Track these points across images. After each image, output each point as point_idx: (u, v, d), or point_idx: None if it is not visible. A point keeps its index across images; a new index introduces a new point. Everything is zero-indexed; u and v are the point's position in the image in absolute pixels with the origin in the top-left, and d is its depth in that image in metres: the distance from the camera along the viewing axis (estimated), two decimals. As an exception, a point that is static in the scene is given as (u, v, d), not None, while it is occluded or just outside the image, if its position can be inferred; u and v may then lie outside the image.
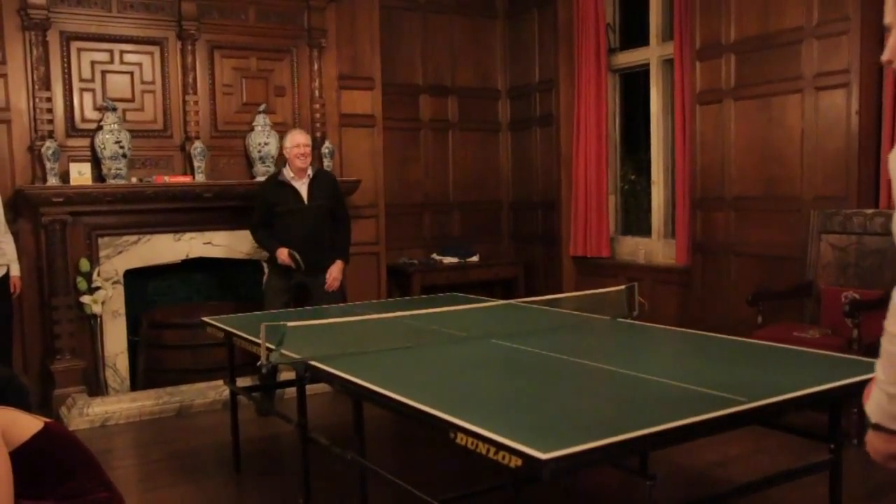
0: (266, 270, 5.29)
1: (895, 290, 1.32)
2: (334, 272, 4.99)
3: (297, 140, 4.94)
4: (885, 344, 1.37)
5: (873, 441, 1.41)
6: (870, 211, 4.50)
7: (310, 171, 4.99)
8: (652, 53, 6.17)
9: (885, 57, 1.40)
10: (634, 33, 6.41)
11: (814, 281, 4.69)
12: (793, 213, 4.91)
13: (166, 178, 5.31)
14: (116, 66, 5.33)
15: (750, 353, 2.99)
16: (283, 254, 4.89)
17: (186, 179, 5.40)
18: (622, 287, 3.69)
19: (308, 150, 4.95)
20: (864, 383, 2.42)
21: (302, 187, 4.95)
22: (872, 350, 3.62)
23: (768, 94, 5.03)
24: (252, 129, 5.66)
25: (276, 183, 4.97)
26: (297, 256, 4.87)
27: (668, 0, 5.98)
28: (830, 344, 4.04)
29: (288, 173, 4.96)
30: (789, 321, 4.71)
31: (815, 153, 4.80)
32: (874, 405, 1.40)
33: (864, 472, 3.77)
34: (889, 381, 1.36)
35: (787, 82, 4.92)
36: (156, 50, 5.43)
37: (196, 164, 5.43)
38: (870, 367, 2.56)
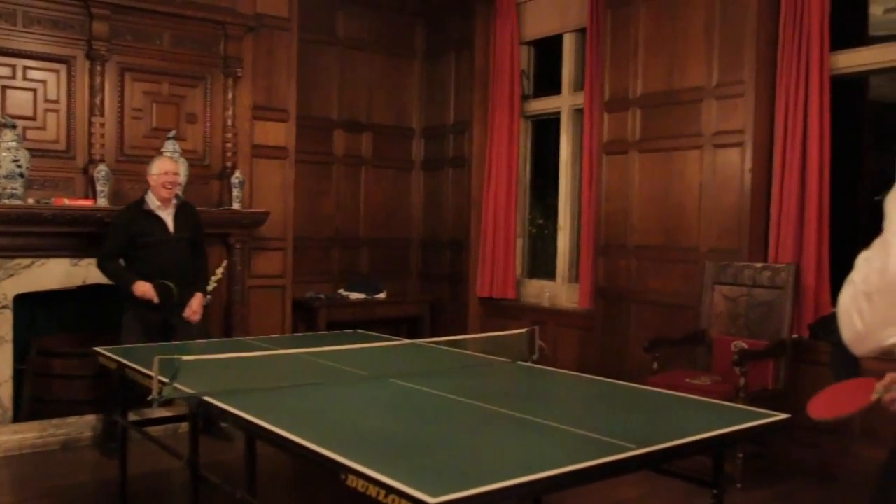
0: (124, 307, 4.76)
1: (861, 254, 1.46)
2: (195, 305, 4.74)
3: (166, 167, 4.66)
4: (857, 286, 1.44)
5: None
6: (759, 264, 4.72)
7: (174, 200, 4.76)
8: (563, 102, 6.36)
9: None
10: (547, 82, 6.60)
11: (707, 330, 4.87)
12: (690, 263, 5.10)
13: (66, 201, 5.12)
14: (19, 83, 5.15)
15: (643, 399, 3.07)
16: (142, 287, 4.51)
17: (88, 203, 5.23)
18: (523, 330, 3.74)
19: (176, 178, 4.74)
20: (748, 431, 2.51)
21: (168, 217, 4.70)
22: (757, 397, 3.74)
23: (670, 149, 5.25)
24: (160, 155, 5.53)
25: (141, 212, 4.65)
26: (171, 284, 4.56)
27: (581, 52, 6.19)
28: (720, 391, 4.20)
29: (153, 202, 4.65)
30: (683, 368, 4.87)
31: (712, 207, 5.02)
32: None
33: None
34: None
35: (687, 138, 5.15)
36: (62, 68, 5.27)
37: (99, 187, 5.26)
38: (754, 416, 2.68)
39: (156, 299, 4.54)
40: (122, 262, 4.68)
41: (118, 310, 5.06)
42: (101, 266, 4.70)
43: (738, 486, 4.23)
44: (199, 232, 4.92)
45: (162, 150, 5.51)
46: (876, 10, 4.95)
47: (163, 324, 4.67)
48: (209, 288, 5.28)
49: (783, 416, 2.66)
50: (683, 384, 4.31)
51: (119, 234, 4.65)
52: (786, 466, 4.54)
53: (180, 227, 4.74)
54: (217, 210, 5.73)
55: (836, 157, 4.59)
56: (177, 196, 4.81)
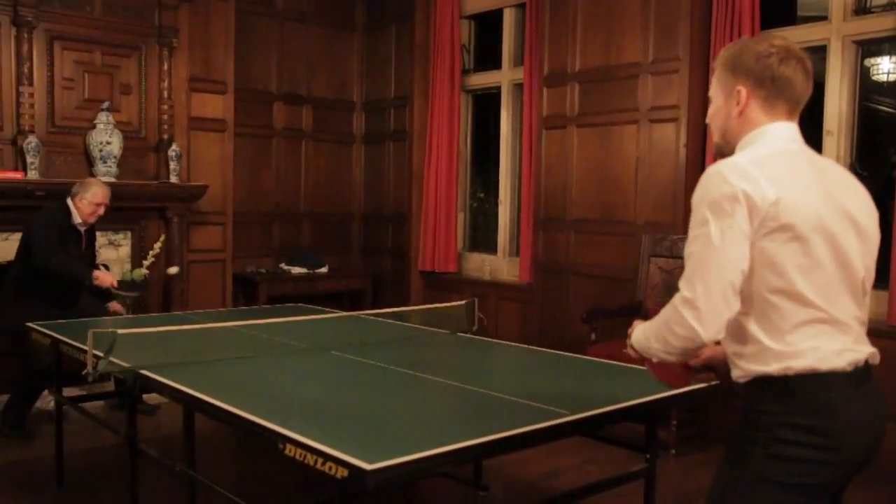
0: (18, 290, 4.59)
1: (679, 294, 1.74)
2: (116, 308, 4.79)
3: (100, 198, 4.59)
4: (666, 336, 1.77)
5: (630, 351, 1.95)
6: (693, 237, 4.84)
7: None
8: (504, 77, 6.39)
9: (707, 120, 1.92)
10: (488, 56, 6.62)
11: (643, 301, 4.99)
12: (627, 236, 5.21)
13: (-6, 173, 4.98)
14: (-59, 51, 4.97)
15: (579, 368, 3.15)
16: (106, 277, 4.56)
17: (17, 175, 5.08)
18: (462, 302, 3.79)
19: (103, 210, 4.66)
20: (679, 398, 2.61)
21: (83, 234, 4.70)
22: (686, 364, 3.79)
23: (608, 124, 5.33)
24: (94, 127, 5.40)
25: (68, 222, 4.59)
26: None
27: (521, 27, 6.21)
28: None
29: (76, 218, 4.59)
30: (621, 338, 4.96)
31: (648, 181, 5.12)
32: (640, 341, 1.87)
33: (679, 480, 4.05)
34: (662, 349, 1.80)
35: (624, 113, 5.23)
36: (-13, 36, 5.09)
37: (29, 159, 5.12)
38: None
39: (113, 287, 4.58)
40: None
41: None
42: (45, 260, 4.44)
43: (673, 451, 4.37)
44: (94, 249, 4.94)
45: (95, 121, 5.38)
46: (805, -10, 5.08)
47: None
48: (146, 264, 5.19)
49: (713, 381, 2.75)
50: (620, 354, 4.41)
51: (53, 234, 4.50)
52: (718, 432, 4.69)
53: (89, 244, 4.80)
54: (154, 183, 5.63)
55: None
56: None
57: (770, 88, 1.76)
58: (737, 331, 1.74)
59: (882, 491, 3.61)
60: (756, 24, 4.64)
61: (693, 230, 1.70)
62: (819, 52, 4.72)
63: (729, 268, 1.64)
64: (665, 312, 1.76)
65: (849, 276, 1.71)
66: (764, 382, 1.70)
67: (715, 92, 1.86)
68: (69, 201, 4.59)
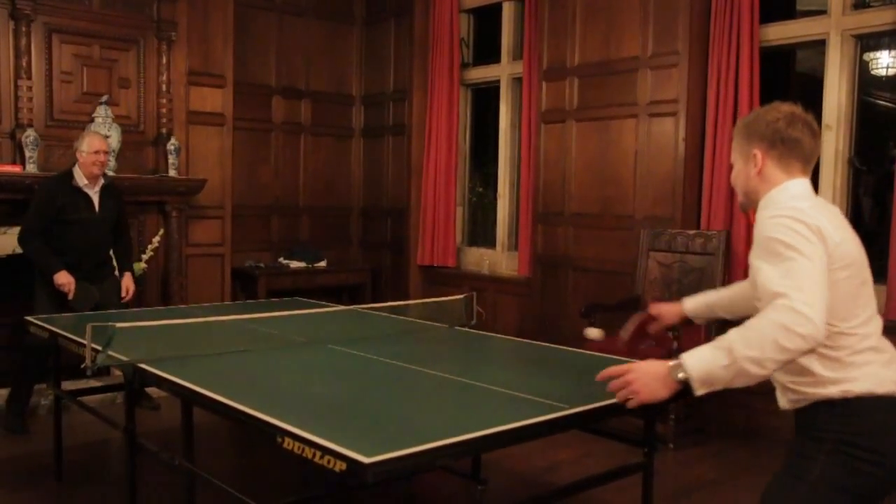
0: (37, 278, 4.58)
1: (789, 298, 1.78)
2: (130, 287, 4.76)
3: (96, 145, 4.49)
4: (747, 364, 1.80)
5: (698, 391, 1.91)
6: (692, 231, 4.84)
7: (101, 179, 4.63)
8: (503, 71, 6.38)
9: (731, 181, 2.17)
10: (487, 50, 6.61)
11: (642, 295, 4.99)
12: (625, 230, 5.20)
13: (-8, 167, 4.97)
14: (-61, 44, 4.96)
15: (577, 362, 3.15)
16: (63, 277, 4.39)
17: (15, 169, 5.08)
18: (461, 296, 3.79)
19: (106, 157, 4.60)
20: (679, 393, 2.62)
21: (94, 196, 4.57)
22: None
23: (607, 118, 5.32)
24: (92, 121, 5.39)
25: (68, 187, 4.48)
26: (94, 289, 4.53)
27: (520, 21, 6.20)
28: (654, 354, 4.29)
29: (80, 179, 4.51)
30: (619, 332, 4.98)
31: (647, 175, 5.12)
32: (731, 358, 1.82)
33: (677, 473, 4.06)
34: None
35: (623, 107, 5.22)
36: (-15, 29, 5.08)
37: (27, 153, 5.11)
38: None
39: (70, 295, 4.41)
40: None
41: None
42: (23, 241, 4.48)
43: (671, 446, 4.38)
44: (123, 212, 4.84)
45: (94, 115, 5.38)
46: (805, -16, 5.08)
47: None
48: (144, 258, 5.20)
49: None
50: (619, 348, 4.42)
51: (44, 209, 4.46)
52: (717, 427, 4.71)
53: (105, 206, 4.63)
54: (152, 177, 5.63)
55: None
56: (104, 175, 4.69)
57: (781, 149, 2.01)
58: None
59: None
60: (755, 19, 4.64)
61: (778, 252, 1.83)
62: (818, 47, 4.72)
63: (823, 282, 1.80)
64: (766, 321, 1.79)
65: (874, 304, 2.00)
66: (824, 405, 1.92)
67: (735, 157, 2.11)
68: (74, 166, 4.56)
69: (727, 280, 4.73)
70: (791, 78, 5.45)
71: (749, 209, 2.13)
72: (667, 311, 2.59)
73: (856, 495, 1.89)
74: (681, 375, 1.90)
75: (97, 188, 4.60)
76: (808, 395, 1.94)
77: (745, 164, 2.07)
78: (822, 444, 1.90)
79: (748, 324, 1.82)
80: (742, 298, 2.34)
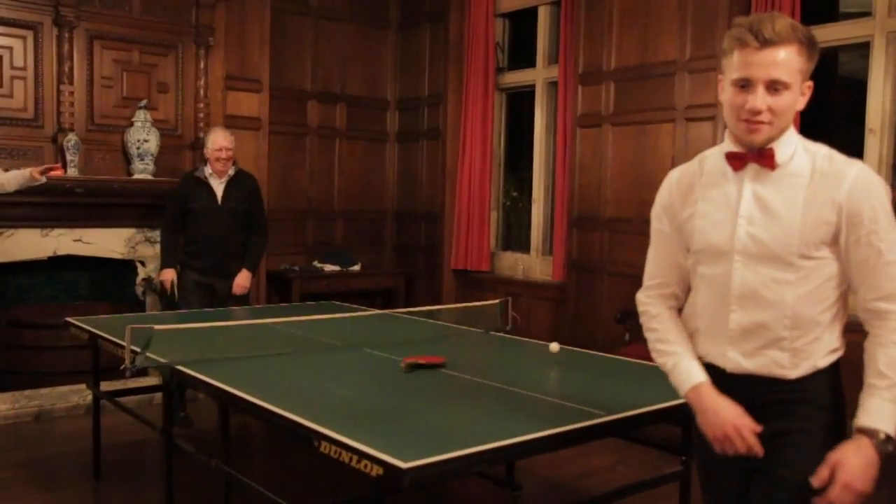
0: (178, 268, 4.96)
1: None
2: (241, 281, 4.85)
3: (219, 143, 4.79)
4: None
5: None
6: (730, 237, 4.77)
7: (231, 171, 4.86)
8: (538, 75, 6.36)
9: (778, 110, 1.71)
10: (522, 54, 6.59)
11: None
12: (661, 236, 5.14)
13: (35, 171, 5.05)
14: (-15, 50, 5.06)
15: (613, 368, 3.12)
16: (164, 274, 4.82)
17: (58, 173, 5.16)
18: (496, 301, 3.78)
19: (230, 153, 4.81)
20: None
21: (219, 187, 4.82)
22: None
23: (643, 122, 5.28)
24: (131, 125, 5.47)
25: (193, 179, 4.84)
26: (216, 287, 4.83)
27: (555, 25, 6.18)
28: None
29: (207, 170, 4.83)
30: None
31: (684, 180, 5.05)
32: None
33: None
34: None
35: (660, 112, 5.17)
36: (29, 35, 5.17)
37: (69, 157, 5.20)
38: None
39: (168, 291, 4.81)
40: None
41: (92, 281, 5.02)
42: (161, 235, 5.02)
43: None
44: (254, 204, 4.96)
45: (133, 119, 5.45)
46: (847, -14, 4.99)
47: (209, 288, 4.85)
48: None
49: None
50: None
51: (173, 198, 4.90)
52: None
53: (231, 197, 4.84)
54: (189, 181, 5.68)
55: (806, 131, 4.63)
56: (236, 167, 4.93)
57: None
58: (815, 327, 1.75)
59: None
60: (797, 20, 4.56)
61: (887, 237, 1.68)
62: (862, 50, 4.63)
63: None
64: None
65: None
66: (825, 373, 1.78)
67: (785, 74, 1.68)
68: (206, 161, 4.90)
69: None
70: (834, 81, 5.36)
71: (760, 146, 1.74)
72: None
73: None
74: (890, 448, 1.66)
75: (223, 180, 4.83)
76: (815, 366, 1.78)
77: (796, 89, 1.72)
78: (840, 405, 1.81)
79: (890, 345, 1.67)
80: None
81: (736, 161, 1.78)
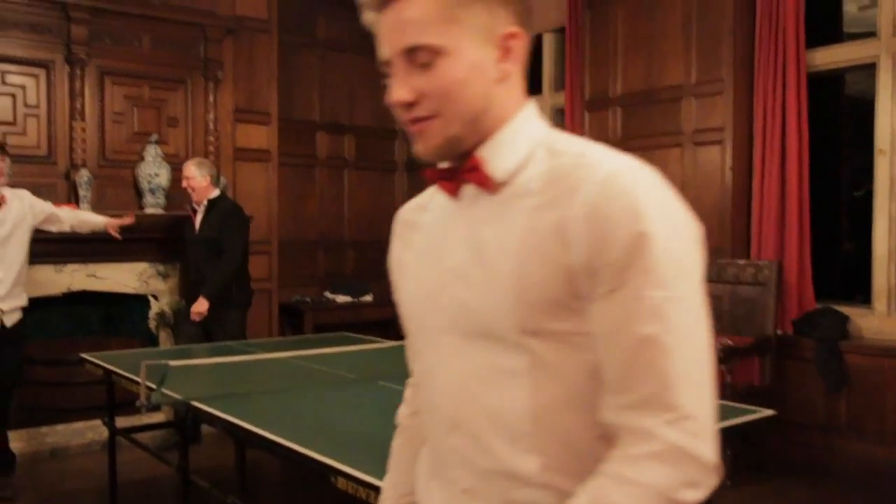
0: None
1: None
2: (195, 308, 4.75)
3: (183, 172, 4.96)
4: None
5: None
6: (742, 261, 4.76)
7: (208, 199, 4.91)
8: (545, 102, 6.39)
9: (452, 85, 1.06)
10: (528, 82, 6.59)
11: (691, 325, 4.90)
12: (673, 260, 5.12)
13: (48, 207, 5.09)
14: (-2, 88, 5.12)
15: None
16: (198, 304, 4.81)
17: (71, 208, 5.20)
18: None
19: (192, 182, 4.84)
20: (735, 427, 2.56)
21: (198, 217, 4.92)
22: (744, 394, 3.77)
23: (651, 147, 5.28)
24: (142, 160, 5.51)
25: (189, 210, 5.03)
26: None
27: (561, 52, 6.21)
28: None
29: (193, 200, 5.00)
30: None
31: (694, 205, 4.99)
32: None
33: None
34: None
35: (668, 136, 5.18)
36: (42, 73, 5.24)
37: (81, 192, 5.24)
38: (740, 412, 2.71)
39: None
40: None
41: (105, 316, 5.02)
42: None
43: (728, 483, 4.26)
44: (223, 231, 4.84)
45: (144, 154, 5.50)
46: (850, 8, 5.02)
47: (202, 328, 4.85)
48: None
49: (769, 412, 2.69)
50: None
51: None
52: (776, 463, 4.57)
53: (204, 226, 4.90)
54: (201, 214, 5.71)
55: (815, 153, 4.64)
56: (222, 196, 5.03)
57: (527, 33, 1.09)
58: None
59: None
60: (801, 43, 4.58)
61: (661, 288, 0.96)
62: (868, 70, 4.64)
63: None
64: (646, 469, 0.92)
65: None
66: None
67: (441, 31, 1.05)
68: None
69: (779, 312, 4.62)
70: (840, 101, 5.37)
71: (456, 153, 1.10)
72: None
73: None
74: None
75: (201, 209, 4.92)
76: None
77: (468, 50, 1.05)
78: None
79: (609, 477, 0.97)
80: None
81: (444, 183, 1.15)
